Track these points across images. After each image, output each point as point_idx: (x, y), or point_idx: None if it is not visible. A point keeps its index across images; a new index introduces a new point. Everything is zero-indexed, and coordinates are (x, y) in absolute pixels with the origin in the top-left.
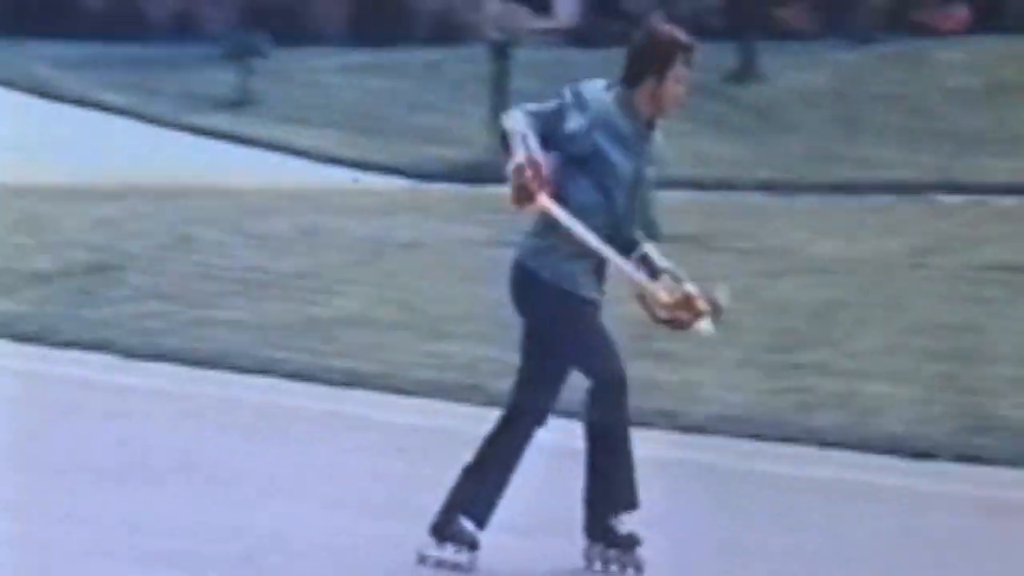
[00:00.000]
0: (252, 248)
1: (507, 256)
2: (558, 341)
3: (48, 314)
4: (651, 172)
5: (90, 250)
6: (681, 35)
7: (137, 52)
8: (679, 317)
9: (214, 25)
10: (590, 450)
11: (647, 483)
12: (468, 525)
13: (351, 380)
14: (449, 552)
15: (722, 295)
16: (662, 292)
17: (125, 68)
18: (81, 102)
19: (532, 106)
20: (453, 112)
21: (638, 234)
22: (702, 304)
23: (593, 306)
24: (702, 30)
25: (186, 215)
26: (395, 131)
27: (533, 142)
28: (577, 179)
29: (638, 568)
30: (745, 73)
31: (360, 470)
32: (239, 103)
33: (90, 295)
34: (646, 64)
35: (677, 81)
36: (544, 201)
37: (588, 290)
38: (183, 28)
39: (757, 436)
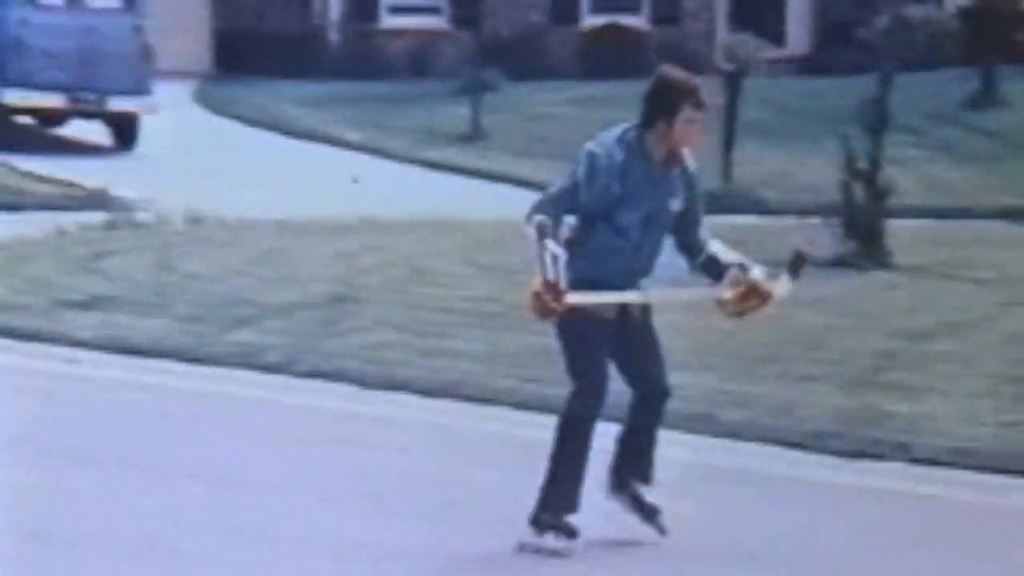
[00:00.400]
0: (484, 279)
1: None
2: (560, 343)
3: (289, 345)
4: (675, 203)
5: (329, 282)
6: (689, 81)
7: (375, 89)
8: (748, 307)
9: (449, 62)
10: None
11: (881, 515)
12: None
13: None
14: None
15: (801, 241)
16: (725, 292)
17: (363, 105)
18: (322, 138)
19: (554, 192)
20: None
21: (702, 236)
22: (768, 286)
23: (600, 323)
24: (941, 56)
25: (420, 247)
26: None
27: (552, 252)
28: (596, 225)
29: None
30: (985, 99)
31: (589, 502)
32: (472, 137)
33: (329, 326)
34: (657, 109)
35: (687, 122)
36: (569, 301)
37: (596, 310)
38: (419, 65)
39: (996, 469)
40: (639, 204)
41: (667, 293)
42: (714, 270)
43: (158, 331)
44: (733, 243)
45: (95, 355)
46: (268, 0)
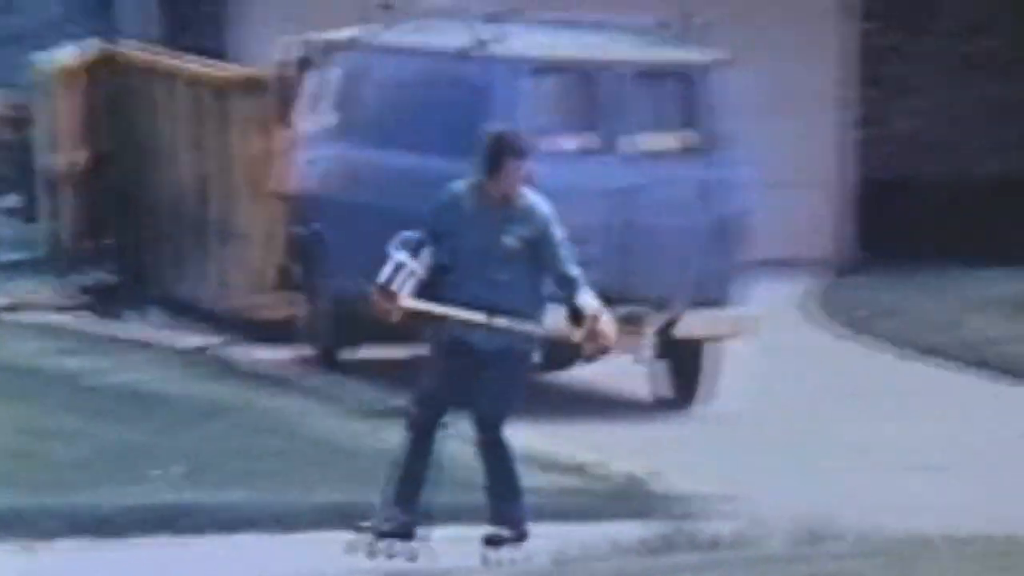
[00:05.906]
0: None
1: None
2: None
3: None
4: (510, 240)
5: None
6: (514, 140)
7: None
8: (592, 351)
9: None
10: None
11: None
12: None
13: None
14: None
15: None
16: (575, 334)
17: None
18: None
19: (408, 234)
20: None
21: (565, 286)
22: (604, 338)
23: (454, 343)
24: None
25: None
26: None
27: (395, 261)
28: (449, 254)
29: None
30: None
31: None
32: None
33: None
34: (488, 161)
35: (515, 169)
36: (406, 304)
37: (451, 329)
38: None
39: None
40: (468, 237)
41: (510, 323)
42: (575, 318)
43: None
44: None
45: None
46: None
